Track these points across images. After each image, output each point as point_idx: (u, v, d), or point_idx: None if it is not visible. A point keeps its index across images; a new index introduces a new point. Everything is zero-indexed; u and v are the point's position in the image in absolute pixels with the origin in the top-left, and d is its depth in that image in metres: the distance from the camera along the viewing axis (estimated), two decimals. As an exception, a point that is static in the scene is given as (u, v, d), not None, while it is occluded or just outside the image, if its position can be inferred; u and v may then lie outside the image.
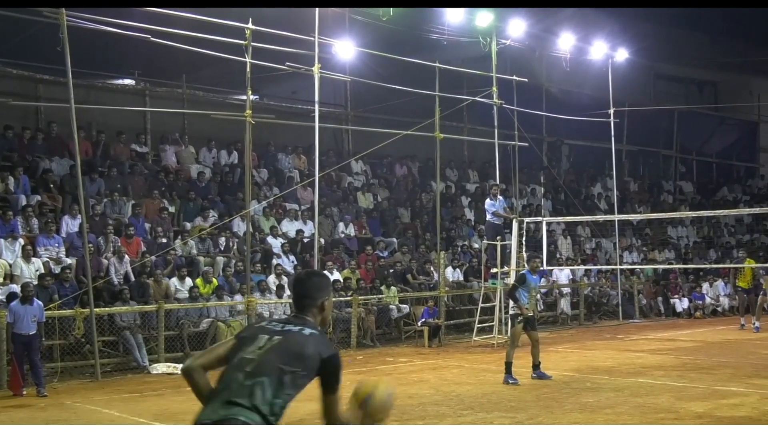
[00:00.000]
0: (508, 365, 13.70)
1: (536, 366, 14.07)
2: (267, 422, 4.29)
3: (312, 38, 18.49)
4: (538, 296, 16.92)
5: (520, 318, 13.89)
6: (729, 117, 40.32)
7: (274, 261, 20.00)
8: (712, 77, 40.40)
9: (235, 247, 20.24)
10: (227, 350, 4.61)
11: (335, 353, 4.60)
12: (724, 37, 38.74)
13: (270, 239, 20.98)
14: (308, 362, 4.48)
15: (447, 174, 27.74)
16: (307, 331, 4.60)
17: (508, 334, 19.37)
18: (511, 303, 14.23)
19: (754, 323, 21.79)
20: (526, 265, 15.38)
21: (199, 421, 4.31)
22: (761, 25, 36.47)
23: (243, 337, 4.65)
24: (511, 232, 20.47)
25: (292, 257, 20.75)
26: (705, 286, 27.37)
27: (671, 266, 28.47)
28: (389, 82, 21.62)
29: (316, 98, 18.79)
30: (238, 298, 18.28)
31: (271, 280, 19.15)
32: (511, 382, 13.53)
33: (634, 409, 11.26)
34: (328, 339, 5.61)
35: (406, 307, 20.91)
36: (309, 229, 21.49)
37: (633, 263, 28.28)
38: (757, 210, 28.54)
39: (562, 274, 25.51)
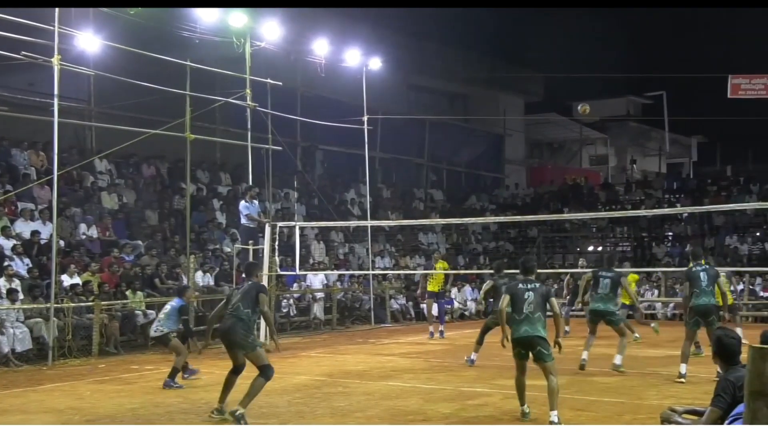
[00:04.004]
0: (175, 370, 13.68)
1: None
2: None
3: (52, 27, 17.23)
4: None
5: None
6: (477, 129, 42.13)
7: (6, 263, 18.47)
8: (462, 90, 42.08)
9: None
10: None
11: None
12: (474, 53, 40.44)
13: (1, 240, 19.38)
14: None
15: (198, 176, 26.92)
16: None
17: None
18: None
19: (440, 330, 21.84)
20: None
21: None
22: (508, 43, 38.29)
23: None
24: (264, 237, 20.07)
25: (26, 260, 19.23)
26: (453, 291, 28.11)
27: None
28: (139, 79, 20.49)
29: (55, 91, 17.45)
30: (-37, 304, 16.68)
31: (2, 283, 17.62)
32: (174, 386, 13.43)
33: (384, 411, 11.16)
34: None
35: (152, 313, 19.92)
36: (47, 230, 20.02)
37: (385, 268, 28.63)
38: (502, 219, 30.00)
39: (316, 279, 25.38)
